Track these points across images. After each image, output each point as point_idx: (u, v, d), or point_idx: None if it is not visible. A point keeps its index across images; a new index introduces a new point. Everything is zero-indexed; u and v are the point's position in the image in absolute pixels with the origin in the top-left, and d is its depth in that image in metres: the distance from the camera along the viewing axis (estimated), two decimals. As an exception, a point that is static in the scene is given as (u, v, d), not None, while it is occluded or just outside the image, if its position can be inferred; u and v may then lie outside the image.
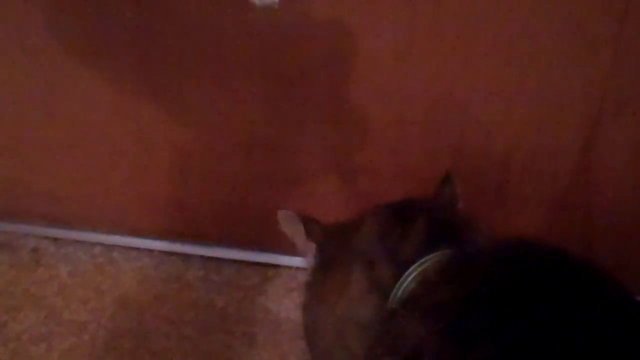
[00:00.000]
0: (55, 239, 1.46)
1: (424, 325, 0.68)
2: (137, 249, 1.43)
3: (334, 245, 0.87)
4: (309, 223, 0.89)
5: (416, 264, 0.77)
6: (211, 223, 1.38)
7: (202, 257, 1.40)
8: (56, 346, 1.24)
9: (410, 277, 0.76)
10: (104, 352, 1.24)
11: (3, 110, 1.30)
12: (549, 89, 1.08)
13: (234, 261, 1.39)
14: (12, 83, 1.26)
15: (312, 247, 0.88)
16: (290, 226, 0.89)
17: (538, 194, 1.19)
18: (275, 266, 1.38)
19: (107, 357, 1.23)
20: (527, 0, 1.01)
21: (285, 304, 1.30)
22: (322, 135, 1.21)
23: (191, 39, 1.15)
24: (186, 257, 1.41)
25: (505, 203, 1.22)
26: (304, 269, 1.32)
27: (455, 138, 1.17)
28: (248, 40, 1.13)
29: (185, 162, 1.30)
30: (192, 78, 1.19)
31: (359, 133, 1.20)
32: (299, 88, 1.16)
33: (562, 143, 1.13)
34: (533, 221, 1.23)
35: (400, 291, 0.76)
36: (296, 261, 1.35)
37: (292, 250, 1.28)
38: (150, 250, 1.42)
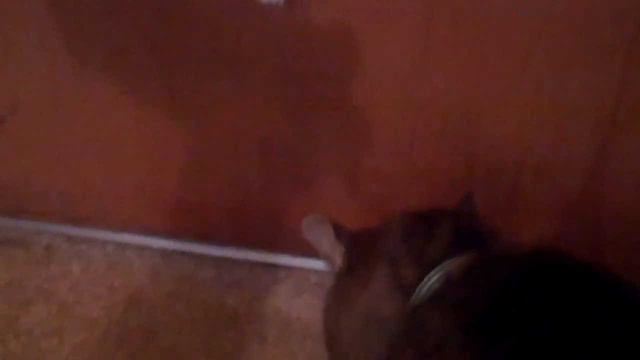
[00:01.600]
0: (69, 237, 1.47)
1: (448, 320, 0.69)
2: (150, 247, 1.44)
3: (360, 248, 0.88)
4: (337, 225, 0.91)
5: (441, 265, 0.78)
6: (224, 223, 1.39)
7: (214, 257, 1.41)
8: (67, 340, 1.26)
9: (435, 277, 0.77)
10: (114, 348, 1.25)
11: (22, 111, 1.31)
12: (562, 96, 1.08)
13: (246, 261, 1.40)
14: (33, 86, 1.28)
15: (339, 250, 0.90)
16: (318, 229, 0.91)
17: (550, 201, 1.19)
18: (287, 267, 1.39)
19: (118, 352, 1.24)
20: (542, 10, 1.01)
21: (296, 305, 1.31)
22: (336, 138, 1.22)
23: (207, 43, 1.16)
24: (198, 256, 1.42)
25: (517, 210, 1.22)
26: (316, 270, 1.34)
27: (469, 145, 1.17)
28: (264, 43, 1.14)
29: (199, 162, 1.31)
30: (207, 80, 1.20)
31: (372, 137, 1.20)
32: (313, 91, 1.17)
33: (574, 150, 1.13)
34: (544, 228, 1.23)
35: (424, 290, 0.77)
36: (308, 263, 1.36)
37: (304, 252, 1.30)
38: (163, 249, 1.43)
